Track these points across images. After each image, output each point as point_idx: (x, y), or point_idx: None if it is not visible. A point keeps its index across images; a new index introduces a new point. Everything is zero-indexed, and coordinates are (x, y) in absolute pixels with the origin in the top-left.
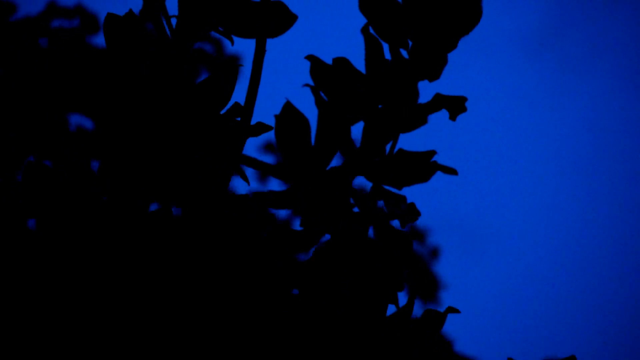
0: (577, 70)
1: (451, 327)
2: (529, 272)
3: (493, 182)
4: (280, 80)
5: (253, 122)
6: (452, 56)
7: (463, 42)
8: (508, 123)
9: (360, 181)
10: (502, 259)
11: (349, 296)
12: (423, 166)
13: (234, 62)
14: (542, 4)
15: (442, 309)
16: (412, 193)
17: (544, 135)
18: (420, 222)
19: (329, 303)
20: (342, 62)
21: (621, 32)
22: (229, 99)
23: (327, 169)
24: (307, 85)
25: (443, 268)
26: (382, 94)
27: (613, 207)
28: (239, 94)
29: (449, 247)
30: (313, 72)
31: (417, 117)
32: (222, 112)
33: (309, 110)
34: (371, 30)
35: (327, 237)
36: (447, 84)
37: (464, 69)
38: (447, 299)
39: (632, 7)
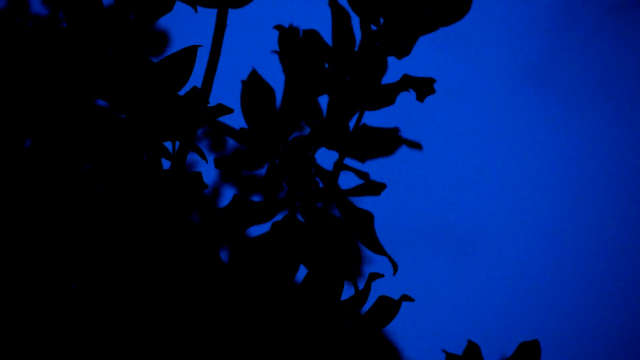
0: (574, 102)
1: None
2: (511, 277)
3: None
4: (248, 51)
5: (220, 94)
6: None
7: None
8: (502, 145)
9: (324, 159)
10: (486, 264)
11: (305, 275)
12: (386, 140)
13: (193, 44)
14: (539, 37)
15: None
16: (398, 196)
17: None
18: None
19: (282, 281)
20: (311, 34)
21: (619, 67)
22: (187, 80)
23: (291, 138)
24: (275, 51)
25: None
26: (348, 68)
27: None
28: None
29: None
30: (281, 42)
31: (384, 95)
32: (181, 93)
33: (278, 81)
34: (340, 2)
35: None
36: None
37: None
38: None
39: (630, 39)
